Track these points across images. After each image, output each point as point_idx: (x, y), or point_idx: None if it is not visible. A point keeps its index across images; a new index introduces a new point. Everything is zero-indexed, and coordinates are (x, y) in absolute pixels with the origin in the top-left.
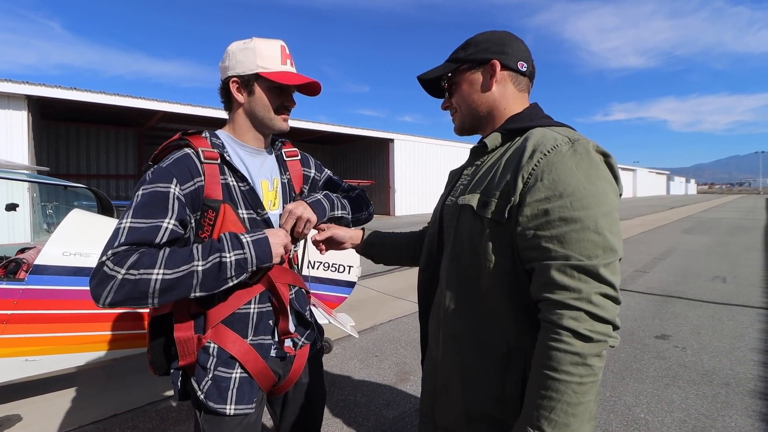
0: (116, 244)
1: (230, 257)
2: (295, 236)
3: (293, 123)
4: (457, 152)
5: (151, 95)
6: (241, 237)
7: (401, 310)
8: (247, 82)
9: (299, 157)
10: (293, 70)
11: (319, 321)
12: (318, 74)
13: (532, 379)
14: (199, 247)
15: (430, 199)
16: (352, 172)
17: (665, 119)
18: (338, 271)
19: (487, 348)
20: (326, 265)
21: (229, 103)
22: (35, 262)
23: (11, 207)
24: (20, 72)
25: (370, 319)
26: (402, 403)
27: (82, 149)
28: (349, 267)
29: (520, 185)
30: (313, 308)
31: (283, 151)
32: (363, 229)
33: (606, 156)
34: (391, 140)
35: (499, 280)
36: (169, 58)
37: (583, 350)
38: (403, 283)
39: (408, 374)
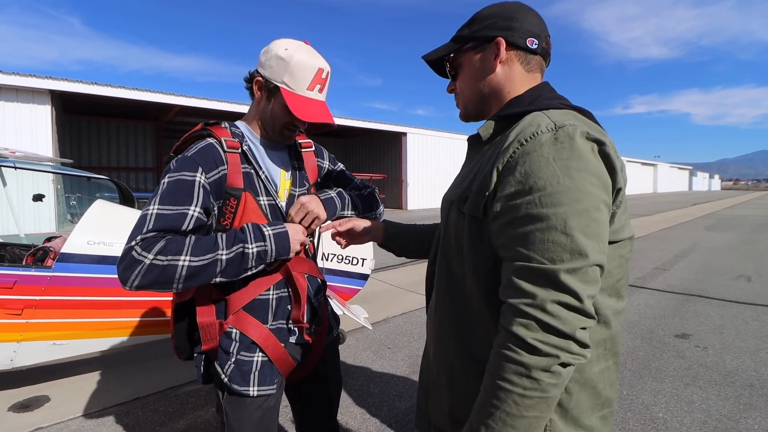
0: (144, 230)
1: (252, 248)
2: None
3: None
4: None
5: (168, 89)
6: (264, 229)
7: (414, 303)
8: (268, 86)
9: (313, 149)
10: (320, 97)
11: (336, 311)
12: (330, 67)
13: (483, 382)
14: (224, 236)
15: (442, 192)
16: (364, 166)
17: (688, 112)
18: (352, 264)
19: (471, 350)
20: (340, 257)
21: (251, 93)
22: (61, 251)
23: (38, 198)
24: (43, 67)
25: (382, 311)
26: (414, 395)
27: (103, 142)
28: (363, 259)
29: (494, 178)
30: (328, 298)
31: (299, 142)
32: (384, 221)
33: (600, 144)
34: (404, 134)
35: (481, 281)
36: (184, 52)
37: (529, 362)
38: (415, 276)
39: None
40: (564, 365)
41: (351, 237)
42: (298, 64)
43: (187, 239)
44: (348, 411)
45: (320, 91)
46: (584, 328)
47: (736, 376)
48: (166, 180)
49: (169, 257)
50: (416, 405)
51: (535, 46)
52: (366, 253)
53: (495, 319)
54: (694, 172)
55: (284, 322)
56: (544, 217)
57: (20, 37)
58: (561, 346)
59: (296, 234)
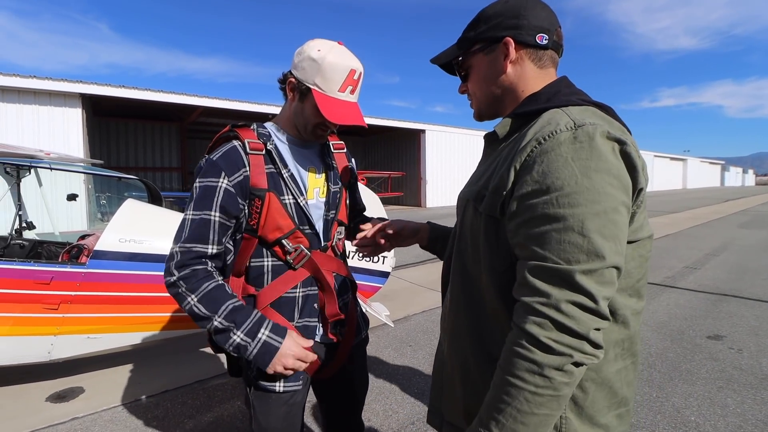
0: (183, 237)
1: (236, 337)
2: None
3: None
4: None
5: (191, 91)
6: (261, 330)
7: (434, 301)
8: (300, 88)
9: (345, 151)
10: (351, 98)
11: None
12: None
13: (494, 378)
14: (231, 306)
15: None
16: (383, 164)
17: (720, 104)
18: (373, 261)
19: (487, 348)
20: (361, 254)
21: (284, 92)
22: (95, 248)
23: (72, 197)
24: (73, 72)
25: (403, 309)
26: None
27: (130, 143)
28: (384, 257)
29: (511, 177)
30: (358, 299)
31: (331, 142)
32: (429, 223)
33: (621, 143)
34: (423, 131)
35: (497, 280)
36: (206, 54)
37: (543, 360)
38: (435, 274)
39: None
40: (577, 365)
41: (396, 239)
42: (330, 66)
43: (206, 284)
44: (369, 408)
45: (352, 92)
46: (598, 329)
47: None
48: (196, 185)
49: (184, 289)
50: (429, 401)
51: (545, 42)
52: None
53: (511, 318)
54: (727, 166)
55: (311, 319)
56: (561, 217)
57: (52, 42)
58: (574, 345)
59: (286, 357)
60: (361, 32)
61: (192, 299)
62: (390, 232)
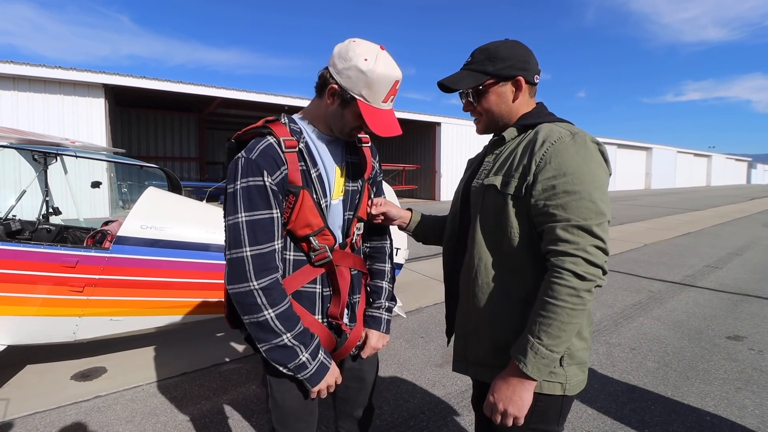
0: (247, 241)
1: (302, 357)
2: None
3: None
4: None
5: (209, 82)
6: (320, 353)
7: None
8: (344, 96)
9: (370, 145)
10: (390, 107)
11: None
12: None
13: (536, 306)
14: (301, 326)
15: None
16: (398, 156)
17: (749, 99)
18: None
19: (511, 294)
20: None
21: (320, 92)
22: (118, 234)
23: (96, 185)
24: (96, 63)
25: (415, 301)
26: (448, 384)
27: (151, 133)
28: (397, 249)
29: (533, 167)
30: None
31: (358, 136)
32: (410, 209)
33: (598, 145)
34: (438, 124)
35: (519, 241)
36: (224, 46)
37: (579, 285)
38: None
39: None
40: (597, 286)
41: (384, 218)
42: (379, 79)
43: (284, 300)
44: (381, 396)
45: (392, 101)
46: (605, 262)
47: None
48: (238, 187)
49: (263, 300)
50: (454, 353)
51: (538, 81)
52: (400, 243)
53: (531, 267)
54: (753, 164)
55: (328, 318)
56: (576, 191)
57: (76, 34)
58: (597, 274)
59: (331, 377)
60: (379, 24)
61: (270, 313)
62: (375, 213)
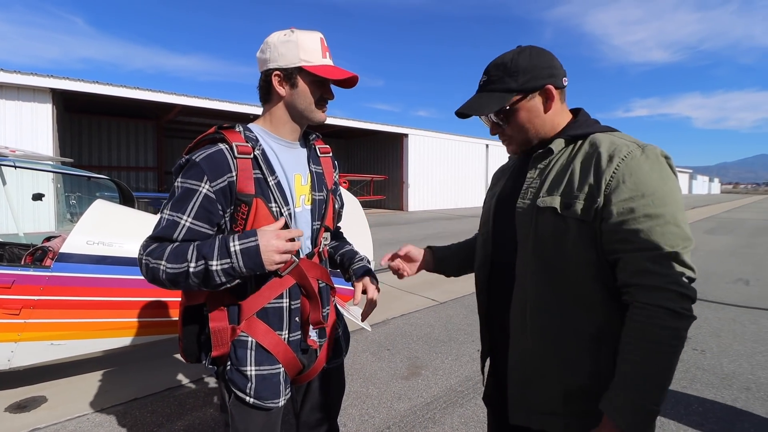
0: (152, 233)
1: (216, 265)
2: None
3: None
4: (472, 148)
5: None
6: (230, 244)
7: (413, 305)
8: (290, 75)
9: (331, 155)
10: (332, 62)
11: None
12: (333, 63)
13: (625, 352)
14: (196, 247)
15: (443, 194)
16: (365, 167)
17: (689, 116)
18: None
19: (579, 331)
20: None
21: (268, 95)
22: (60, 250)
23: (38, 197)
24: (45, 66)
25: (382, 313)
26: (413, 396)
27: (104, 141)
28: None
29: (603, 187)
30: (341, 308)
31: (317, 146)
32: (429, 247)
33: (667, 158)
34: (405, 135)
35: (587, 271)
36: (187, 52)
37: (678, 325)
38: (415, 279)
39: (420, 368)
40: (692, 321)
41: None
42: (305, 40)
43: (170, 246)
44: (346, 413)
45: (330, 57)
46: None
47: (733, 379)
48: (179, 184)
49: (152, 259)
50: (508, 402)
51: (566, 83)
52: (366, 253)
53: (601, 300)
54: (694, 175)
55: (294, 334)
56: (660, 214)
57: (23, 35)
58: (691, 308)
59: (272, 246)
60: (347, 34)
61: (163, 264)
62: (399, 265)
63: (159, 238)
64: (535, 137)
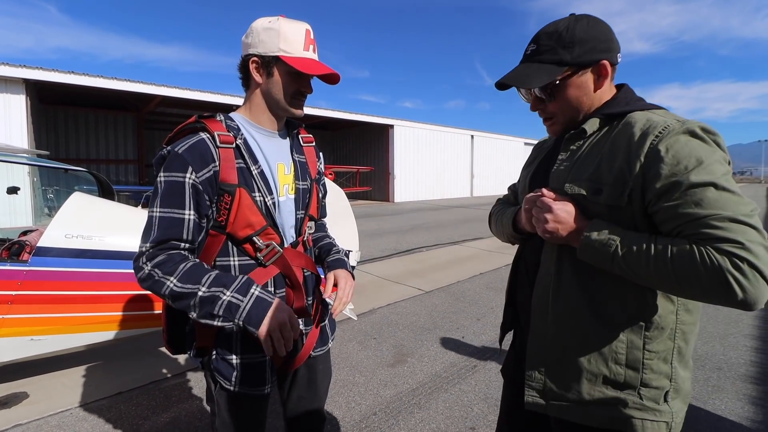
0: (152, 235)
1: (226, 297)
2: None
3: None
4: (457, 138)
5: (149, 79)
6: (252, 287)
7: (399, 294)
8: (267, 63)
9: (314, 145)
10: (315, 56)
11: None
12: (317, 58)
13: (662, 245)
14: (216, 274)
15: (429, 185)
16: (351, 158)
17: (669, 106)
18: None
19: (608, 318)
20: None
21: (246, 80)
22: (38, 244)
23: (13, 190)
24: (18, 56)
25: (368, 302)
26: (399, 383)
27: (81, 134)
28: (348, 251)
29: (636, 169)
30: (326, 298)
31: (300, 136)
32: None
33: (713, 134)
34: (391, 126)
35: None
36: (167, 42)
37: (747, 286)
38: (401, 268)
39: (405, 356)
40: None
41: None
42: (287, 29)
43: (183, 265)
44: (332, 400)
45: (314, 51)
46: None
47: (706, 360)
48: (162, 179)
49: (161, 273)
50: (527, 388)
51: (620, 60)
52: (352, 245)
53: (633, 287)
54: None
55: None
56: (710, 182)
57: None
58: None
59: (280, 313)
60: (332, 23)
61: (171, 281)
62: None
63: (164, 240)
64: (579, 117)
